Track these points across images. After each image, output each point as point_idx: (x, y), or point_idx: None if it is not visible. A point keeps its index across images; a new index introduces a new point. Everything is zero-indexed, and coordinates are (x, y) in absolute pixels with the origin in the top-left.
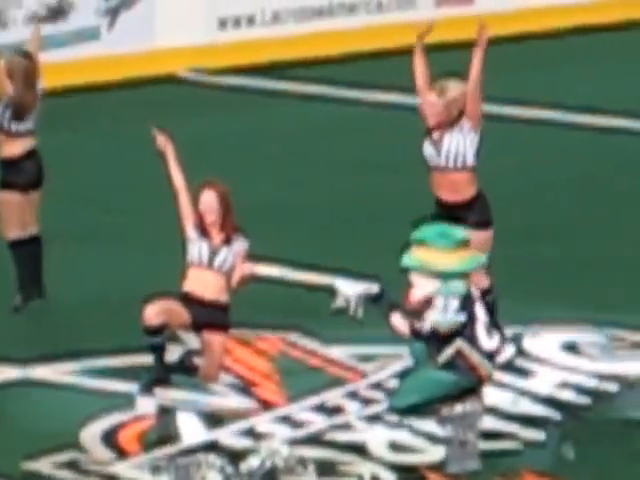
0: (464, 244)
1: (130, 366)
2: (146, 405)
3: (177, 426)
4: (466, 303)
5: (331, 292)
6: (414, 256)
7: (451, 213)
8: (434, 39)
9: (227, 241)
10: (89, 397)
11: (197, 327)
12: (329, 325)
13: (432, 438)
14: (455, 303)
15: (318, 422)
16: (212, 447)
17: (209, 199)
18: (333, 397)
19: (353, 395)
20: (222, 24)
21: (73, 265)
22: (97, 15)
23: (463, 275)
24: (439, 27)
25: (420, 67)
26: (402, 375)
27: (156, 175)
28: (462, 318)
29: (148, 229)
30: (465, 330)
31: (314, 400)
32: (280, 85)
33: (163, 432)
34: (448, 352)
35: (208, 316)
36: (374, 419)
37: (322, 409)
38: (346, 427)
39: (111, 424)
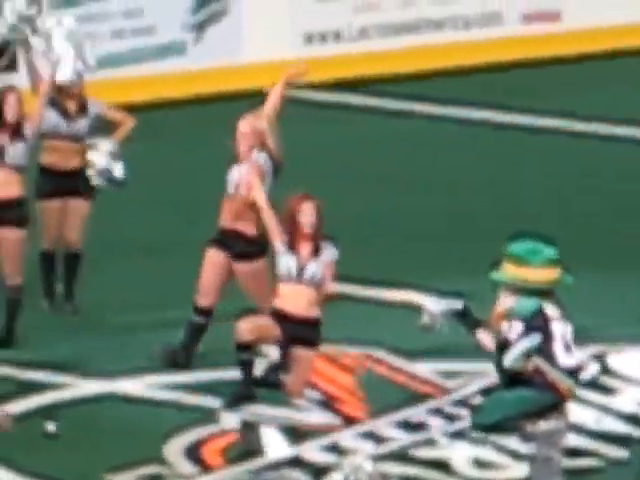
0: (554, 263)
1: (215, 381)
2: (230, 420)
3: (261, 441)
4: (538, 322)
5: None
6: (504, 271)
7: None
8: (521, 55)
9: (315, 252)
10: (173, 411)
11: (287, 342)
12: (414, 342)
13: (516, 455)
14: (519, 326)
15: (402, 438)
16: (296, 462)
17: (309, 211)
18: (417, 413)
19: (437, 411)
20: (308, 39)
21: (157, 278)
22: (184, 30)
23: (544, 293)
24: (526, 43)
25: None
26: (486, 392)
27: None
28: (532, 341)
29: None
30: (542, 347)
31: (398, 416)
32: (366, 100)
33: (247, 447)
34: (516, 357)
35: (298, 332)
36: (458, 435)
37: (406, 425)
38: (430, 443)
39: (195, 438)
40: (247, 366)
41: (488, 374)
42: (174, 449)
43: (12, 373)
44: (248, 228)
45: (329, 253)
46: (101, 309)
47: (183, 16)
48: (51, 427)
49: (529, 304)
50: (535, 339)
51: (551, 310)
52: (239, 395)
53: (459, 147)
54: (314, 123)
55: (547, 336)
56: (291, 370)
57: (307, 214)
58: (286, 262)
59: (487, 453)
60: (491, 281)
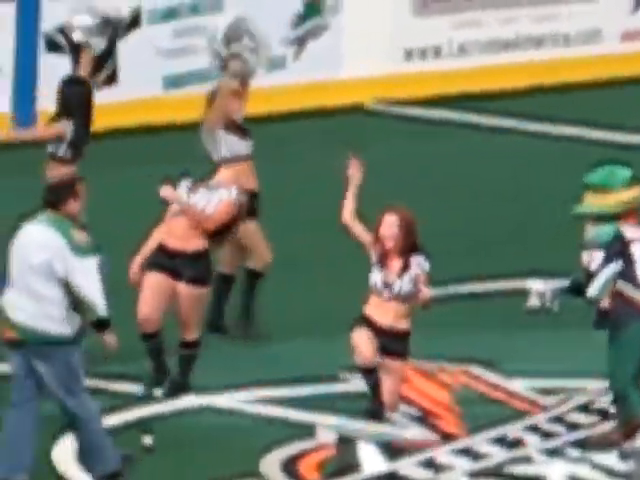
0: (632, 181)
1: (311, 395)
2: (327, 434)
3: (357, 456)
4: (617, 247)
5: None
6: (586, 203)
7: None
8: (619, 73)
9: (405, 268)
10: (270, 425)
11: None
12: (511, 358)
13: (612, 473)
14: (599, 255)
15: (498, 455)
16: (392, 478)
17: (390, 224)
18: (514, 430)
19: (534, 428)
20: (408, 55)
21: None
22: (284, 44)
23: (623, 216)
24: (624, 61)
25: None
26: (583, 409)
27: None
28: (613, 268)
29: (337, 255)
30: (625, 272)
31: (494, 433)
32: (464, 117)
33: (343, 462)
34: (601, 287)
35: (386, 343)
36: (554, 453)
37: (502, 442)
38: (526, 460)
39: (291, 453)
40: (376, 386)
41: (585, 391)
42: (271, 463)
43: (107, 386)
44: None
45: (419, 266)
46: None
47: (283, 31)
48: (148, 440)
49: (606, 230)
50: (616, 265)
51: (631, 232)
52: (373, 410)
53: (556, 163)
54: (413, 138)
55: (628, 260)
56: (382, 382)
57: (387, 227)
58: (373, 277)
59: (583, 470)
60: (575, 216)
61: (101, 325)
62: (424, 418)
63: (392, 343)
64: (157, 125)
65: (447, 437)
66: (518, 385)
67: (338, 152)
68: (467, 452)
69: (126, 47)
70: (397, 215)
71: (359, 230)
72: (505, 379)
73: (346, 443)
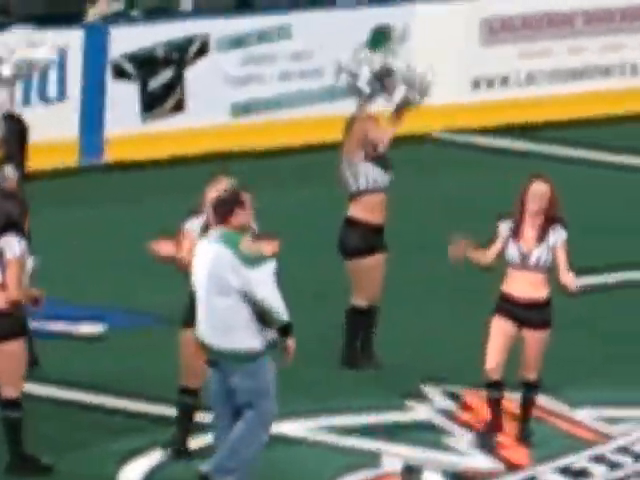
0: None
1: (377, 423)
2: (393, 463)
3: None
4: None
5: None
6: None
7: None
8: None
9: (542, 237)
10: (336, 454)
11: (517, 325)
12: (576, 387)
13: None
14: None
15: None
16: None
17: (539, 188)
18: (579, 460)
19: (599, 459)
20: (476, 84)
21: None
22: None
23: None
24: None
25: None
26: None
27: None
28: None
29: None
30: None
31: (560, 462)
32: (533, 146)
33: None
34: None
35: (527, 315)
36: None
37: (568, 471)
38: None
39: None
40: (497, 402)
41: None
42: None
43: (170, 412)
44: None
45: (557, 236)
46: None
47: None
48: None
49: None
50: None
51: None
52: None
53: (622, 193)
54: (480, 167)
55: None
56: (524, 353)
57: (532, 194)
58: (509, 251)
59: None
60: None
61: (284, 330)
62: (491, 447)
63: (532, 314)
64: (225, 152)
65: (512, 467)
66: (584, 414)
67: (406, 180)
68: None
69: (194, 74)
70: (543, 182)
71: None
72: (570, 408)
73: (412, 472)
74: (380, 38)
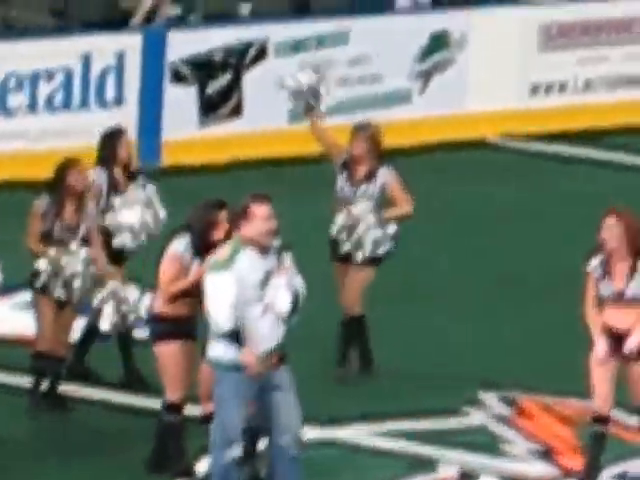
0: None
1: (433, 429)
2: (448, 469)
3: None
4: None
5: None
6: None
7: None
8: None
9: (633, 270)
10: (390, 459)
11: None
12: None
13: None
14: None
15: None
16: None
17: (609, 226)
18: (635, 466)
19: None
20: (534, 90)
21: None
22: (410, 78)
23: None
24: None
25: None
26: None
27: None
28: None
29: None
30: None
31: (617, 469)
32: (590, 153)
33: None
34: None
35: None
36: None
37: (624, 478)
38: None
39: None
40: (601, 440)
41: None
42: None
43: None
44: None
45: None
46: None
47: (409, 64)
48: (263, 470)
49: None
50: None
51: None
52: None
53: None
54: (537, 173)
55: None
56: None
57: (607, 229)
58: (601, 288)
59: None
60: None
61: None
62: (547, 454)
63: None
64: (282, 158)
65: (570, 473)
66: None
67: (462, 186)
68: None
69: (252, 79)
70: (616, 217)
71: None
72: (625, 414)
73: (468, 478)
74: (438, 44)
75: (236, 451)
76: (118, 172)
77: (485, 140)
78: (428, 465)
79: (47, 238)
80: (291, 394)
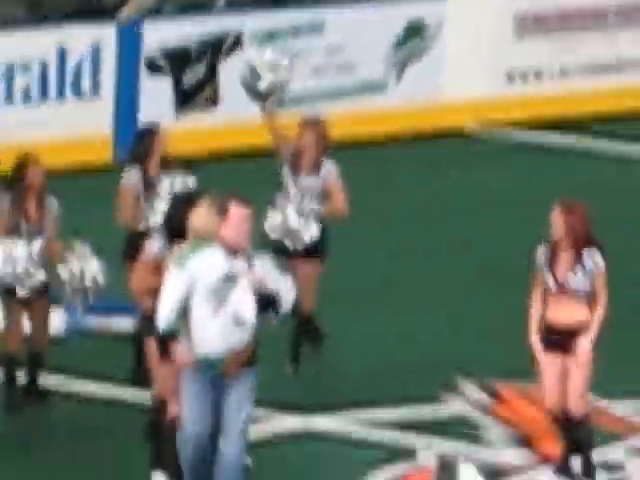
0: None
1: (412, 418)
2: (428, 457)
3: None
4: None
5: None
6: None
7: None
8: None
9: (577, 262)
10: (369, 448)
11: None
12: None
13: None
14: None
15: (599, 478)
16: None
17: (555, 219)
18: (614, 453)
19: (637, 451)
20: (510, 78)
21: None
22: (385, 67)
23: None
24: None
25: None
26: None
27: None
28: None
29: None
30: None
31: (597, 456)
32: (566, 140)
33: None
34: None
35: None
36: None
37: (604, 466)
38: None
39: (393, 475)
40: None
41: None
42: None
43: None
44: None
45: (593, 262)
46: None
47: (384, 54)
48: (248, 462)
49: None
50: None
51: None
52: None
53: None
54: (513, 162)
55: None
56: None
57: (553, 221)
58: (545, 277)
59: None
60: None
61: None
62: (526, 441)
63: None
64: (258, 147)
65: (548, 460)
66: (620, 406)
67: (438, 175)
68: (568, 474)
69: (227, 70)
70: (561, 209)
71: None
72: (610, 402)
73: (447, 466)
74: (413, 33)
75: (194, 450)
76: (153, 170)
77: (462, 128)
78: (408, 453)
79: (14, 235)
80: (242, 402)
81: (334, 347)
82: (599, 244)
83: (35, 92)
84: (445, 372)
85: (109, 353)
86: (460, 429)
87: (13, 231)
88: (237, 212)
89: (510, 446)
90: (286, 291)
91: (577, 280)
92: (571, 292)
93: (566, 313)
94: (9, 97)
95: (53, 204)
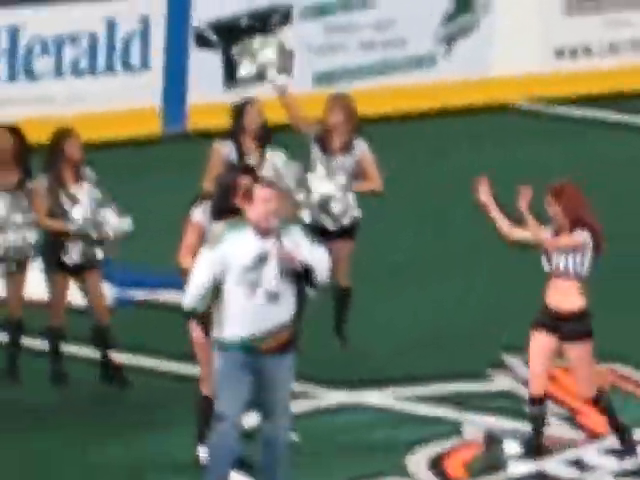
0: None
1: (457, 393)
2: (474, 433)
3: (504, 455)
4: None
5: None
6: None
7: None
8: None
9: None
10: (417, 423)
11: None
12: None
13: None
14: None
15: None
16: (539, 477)
17: (548, 202)
18: (590, 453)
19: None
20: (559, 54)
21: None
22: (434, 42)
23: None
24: None
25: None
26: None
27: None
28: None
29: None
30: None
31: (570, 455)
32: (616, 117)
33: (490, 461)
34: None
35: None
36: None
37: (578, 464)
38: None
39: (438, 451)
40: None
41: None
42: (417, 461)
43: None
44: None
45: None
46: None
47: (434, 28)
48: (293, 437)
49: None
50: None
51: None
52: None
53: None
54: (563, 137)
55: None
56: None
57: (548, 206)
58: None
59: None
60: None
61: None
62: (572, 417)
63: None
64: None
65: (594, 436)
66: None
67: (486, 151)
68: (614, 452)
69: None
70: (550, 191)
71: (531, 229)
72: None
73: (493, 442)
74: (463, 8)
75: (226, 427)
76: (248, 143)
77: (510, 104)
78: (454, 428)
79: (53, 212)
80: (283, 382)
81: (379, 323)
82: (590, 224)
83: (84, 65)
84: (490, 347)
85: (157, 325)
86: (506, 405)
87: (56, 208)
88: (260, 192)
89: (556, 422)
90: (319, 261)
91: (573, 263)
92: (562, 274)
93: (563, 299)
94: (58, 70)
95: (91, 177)
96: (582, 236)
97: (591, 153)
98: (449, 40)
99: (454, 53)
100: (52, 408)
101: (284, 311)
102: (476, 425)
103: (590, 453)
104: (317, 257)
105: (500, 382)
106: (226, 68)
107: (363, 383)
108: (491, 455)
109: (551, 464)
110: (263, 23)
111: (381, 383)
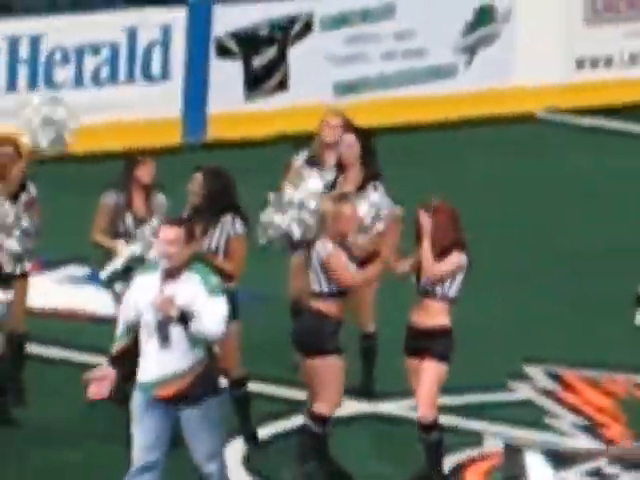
0: None
1: (477, 403)
2: (494, 443)
3: (524, 465)
4: None
5: None
6: None
7: None
8: None
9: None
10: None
11: None
12: None
13: None
14: None
15: None
16: None
17: (421, 219)
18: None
19: None
20: (580, 64)
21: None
22: (455, 52)
23: None
24: None
25: None
26: None
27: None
28: None
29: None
30: None
31: (590, 465)
32: (636, 127)
33: (510, 471)
34: None
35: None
36: None
37: (598, 475)
38: None
39: (459, 461)
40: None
41: None
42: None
43: (279, 392)
44: None
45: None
46: None
47: (455, 38)
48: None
49: None
50: None
51: None
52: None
53: None
54: (584, 148)
55: None
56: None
57: (420, 223)
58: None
59: None
60: None
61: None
62: (591, 427)
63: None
64: None
65: (614, 446)
66: None
67: (508, 160)
68: (634, 463)
69: (297, 53)
70: (422, 209)
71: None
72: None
73: (513, 452)
74: (484, 18)
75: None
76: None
77: (531, 114)
78: (474, 439)
79: (115, 233)
80: (194, 433)
81: (399, 333)
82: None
83: (105, 75)
84: (510, 358)
85: None
86: (527, 415)
87: (116, 228)
88: (162, 234)
89: (576, 433)
90: (210, 314)
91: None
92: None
93: (422, 317)
94: (79, 80)
95: (162, 201)
96: (461, 258)
97: (610, 163)
98: (470, 50)
99: (475, 63)
100: (46, 422)
101: (178, 358)
102: (496, 435)
103: (610, 464)
104: (209, 309)
105: (520, 392)
106: (246, 78)
107: (383, 393)
108: (511, 465)
109: (571, 475)
110: (283, 33)
111: (401, 394)
